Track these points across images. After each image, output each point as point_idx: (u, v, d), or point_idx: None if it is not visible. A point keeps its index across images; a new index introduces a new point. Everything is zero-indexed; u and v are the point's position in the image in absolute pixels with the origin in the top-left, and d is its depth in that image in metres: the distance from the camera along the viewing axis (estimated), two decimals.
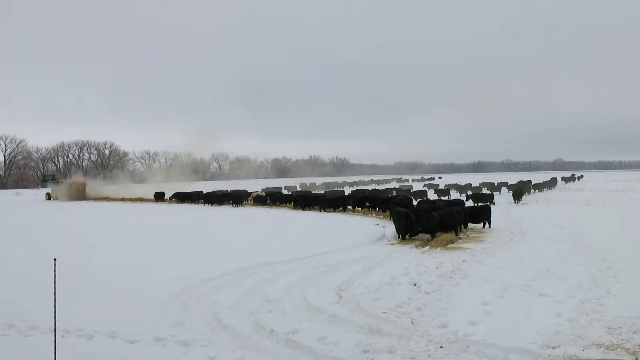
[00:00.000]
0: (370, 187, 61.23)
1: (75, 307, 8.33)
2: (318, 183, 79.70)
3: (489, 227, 19.63)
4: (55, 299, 5.70)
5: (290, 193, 42.19)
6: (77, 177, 64.79)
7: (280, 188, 62.17)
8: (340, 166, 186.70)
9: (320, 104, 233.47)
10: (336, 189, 56.06)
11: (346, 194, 40.17)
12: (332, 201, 31.72)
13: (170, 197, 46.30)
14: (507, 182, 58.86)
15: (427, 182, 72.50)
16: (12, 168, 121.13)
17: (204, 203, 41.79)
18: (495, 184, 54.55)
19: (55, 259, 5.73)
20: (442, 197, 34.13)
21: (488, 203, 29.63)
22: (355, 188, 59.83)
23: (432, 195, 39.49)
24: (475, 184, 59.92)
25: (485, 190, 49.44)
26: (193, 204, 42.21)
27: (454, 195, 44.54)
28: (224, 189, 50.30)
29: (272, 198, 38.31)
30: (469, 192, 43.64)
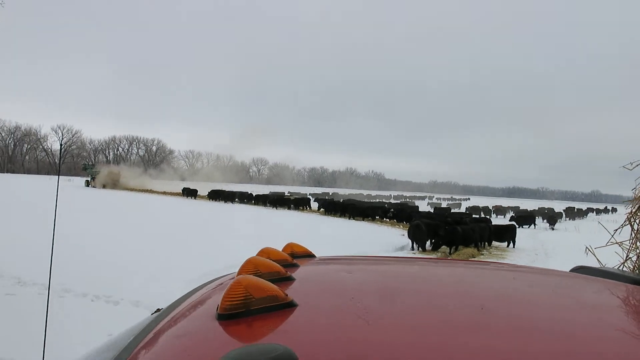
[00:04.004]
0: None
1: (107, 276, 9.05)
2: (341, 193, 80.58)
3: (514, 246, 19.54)
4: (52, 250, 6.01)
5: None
6: (113, 168, 68.29)
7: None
8: (376, 180, 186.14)
9: (362, 117, 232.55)
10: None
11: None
12: (361, 210, 32.07)
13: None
14: (518, 207, 63.64)
15: (430, 202, 76.22)
16: (67, 156, 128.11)
17: (209, 199, 46.33)
18: (504, 208, 55.73)
19: None
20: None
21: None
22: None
23: None
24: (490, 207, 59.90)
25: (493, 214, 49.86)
26: (214, 202, 44.78)
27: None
28: (260, 192, 52.16)
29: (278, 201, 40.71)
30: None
